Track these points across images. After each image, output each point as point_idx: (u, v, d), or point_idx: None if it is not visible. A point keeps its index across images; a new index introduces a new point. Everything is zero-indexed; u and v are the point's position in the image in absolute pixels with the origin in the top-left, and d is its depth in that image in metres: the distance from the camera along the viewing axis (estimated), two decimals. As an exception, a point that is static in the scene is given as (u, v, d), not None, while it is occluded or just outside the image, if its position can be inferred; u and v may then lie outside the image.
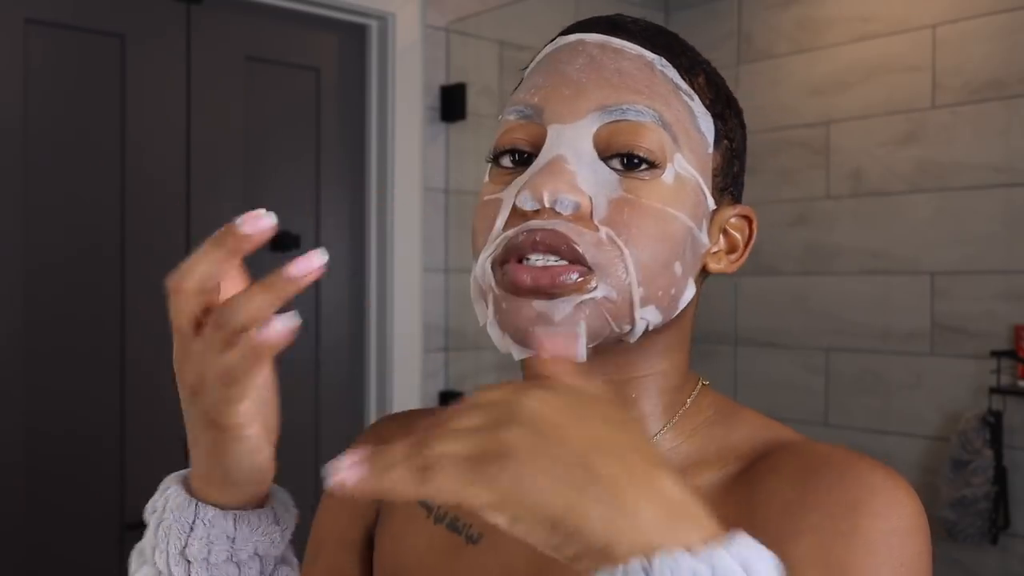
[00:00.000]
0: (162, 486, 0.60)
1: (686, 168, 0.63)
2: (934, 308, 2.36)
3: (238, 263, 0.52)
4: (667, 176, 0.62)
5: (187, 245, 2.04)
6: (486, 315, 0.64)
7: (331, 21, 2.33)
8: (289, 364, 2.30)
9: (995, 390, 2.20)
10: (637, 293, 0.61)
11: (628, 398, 0.66)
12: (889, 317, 2.44)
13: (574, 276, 0.60)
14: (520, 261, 0.61)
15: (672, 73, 0.65)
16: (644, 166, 0.62)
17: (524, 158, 0.65)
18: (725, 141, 0.68)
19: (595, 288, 0.60)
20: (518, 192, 0.61)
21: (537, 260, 0.60)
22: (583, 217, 0.61)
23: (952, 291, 2.33)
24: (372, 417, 2.39)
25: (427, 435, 0.45)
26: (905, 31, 2.42)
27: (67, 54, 1.97)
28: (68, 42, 1.97)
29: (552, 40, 0.70)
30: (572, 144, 0.62)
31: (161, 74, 2.08)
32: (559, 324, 0.60)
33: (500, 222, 0.63)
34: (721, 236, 0.68)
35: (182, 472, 0.60)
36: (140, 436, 2.04)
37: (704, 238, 0.65)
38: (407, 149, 2.38)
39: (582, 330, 0.60)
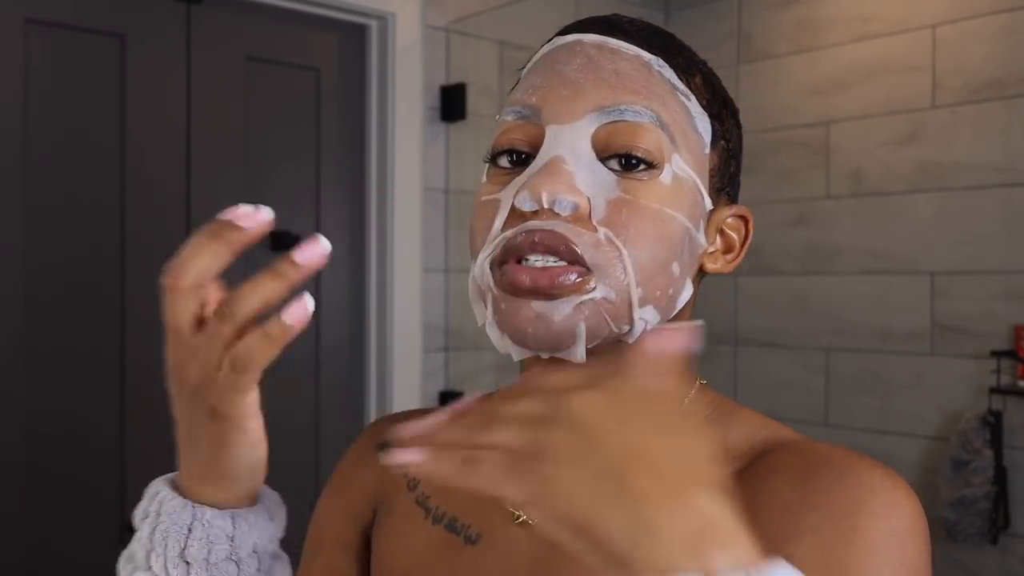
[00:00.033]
0: (149, 491, 0.60)
1: (683, 168, 0.64)
2: (934, 308, 2.36)
3: (232, 258, 0.52)
4: (665, 176, 0.63)
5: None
6: (485, 316, 0.64)
7: (331, 21, 2.33)
8: (289, 364, 2.30)
9: (995, 390, 2.20)
10: (636, 293, 0.61)
11: None
12: (889, 317, 2.44)
13: (573, 277, 0.60)
14: (519, 262, 0.61)
15: (669, 73, 0.65)
16: (642, 167, 0.62)
17: (522, 158, 0.65)
18: (722, 141, 0.68)
19: (594, 289, 0.60)
20: (517, 192, 0.61)
21: (536, 261, 0.60)
22: (582, 218, 0.61)
23: (952, 291, 2.33)
24: (372, 417, 2.39)
25: (477, 424, 0.45)
26: (905, 31, 2.42)
27: (67, 54, 1.97)
28: (68, 42, 1.97)
29: (549, 40, 0.70)
30: (570, 145, 0.62)
31: (161, 74, 2.08)
32: (558, 322, 0.60)
33: (498, 223, 0.63)
34: (718, 236, 0.69)
35: (168, 476, 0.60)
36: (140, 436, 2.04)
37: (701, 238, 0.66)
38: (407, 149, 2.38)
39: (581, 331, 0.60)
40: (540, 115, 0.64)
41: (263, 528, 0.60)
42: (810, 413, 2.59)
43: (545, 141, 0.63)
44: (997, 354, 2.19)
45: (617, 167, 0.62)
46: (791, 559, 0.52)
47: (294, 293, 0.51)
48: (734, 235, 0.70)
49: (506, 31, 2.53)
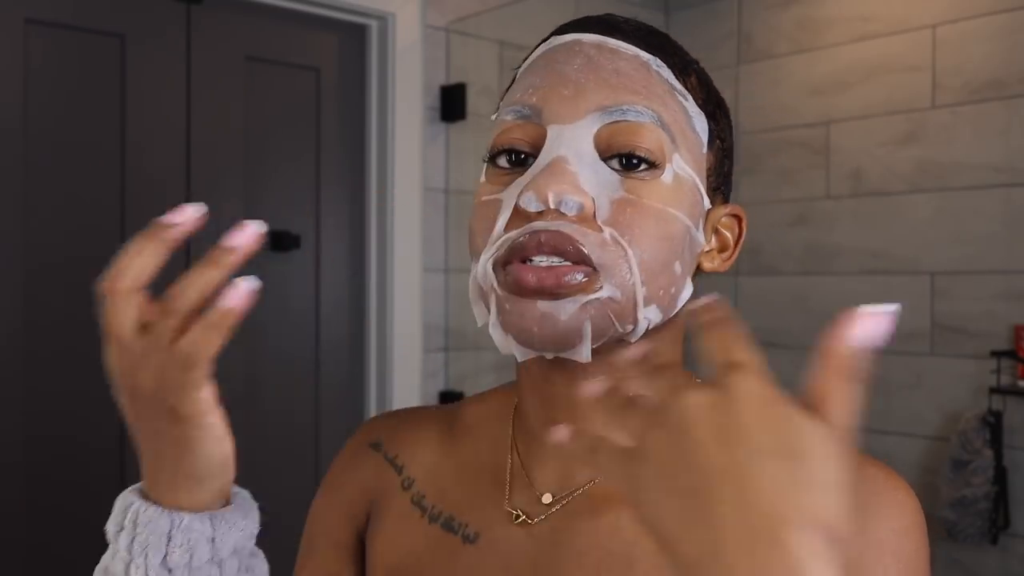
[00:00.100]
0: (120, 503, 0.58)
1: (684, 168, 0.64)
2: (934, 308, 2.36)
3: (167, 257, 0.52)
4: (666, 176, 0.63)
5: (187, 245, 2.03)
6: (486, 316, 0.64)
7: (331, 21, 2.33)
8: (289, 364, 2.31)
9: (995, 390, 2.20)
10: (640, 293, 0.61)
11: None
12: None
13: (579, 276, 0.60)
14: (523, 262, 0.60)
15: (667, 73, 0.65)
16: (643, 166, 0.62)
17: (521, 159, 0.65)
18: (717, 140, 0.68)
19: (600, 288, 0.60)
20: (521, 193, 0.61)
21: (541, 261, 0.60)
22: (587, 218, 0.61)
23: (952, 291, 2.33)
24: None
25: (610, 411, 0.45)
26: (905, 31, 2.42)
27: (67, 54, 1.97)
28: (68, 42, 1.97)
29: (545, 40, 0.70)
30: (573, 145, 0.62)
31: (161, 74, 2.08)
32: (564, 322, 0.60)
33: (501, 223, 0.62)
34: (713, 235, 0.69)
35: (135, 487, 0.59)
36: (140, 436, 2.04)
37: (700, 237, 0.66)
38: (407, 149, 2.38)
39: (587, 330, 0.60)
40: (541, 115, 0.64)
41: (242, 526, 0.59)
42: (810, 413, 2.59)
43: (547, 141, 0.63)
44: (997, 354, 2.19)
45: (618, 167, 0.62)
46: None
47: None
48: (728, 234, 0.70)
49: (506, 31, 2.53)
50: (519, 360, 0.64)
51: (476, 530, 0.68)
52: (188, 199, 2.11)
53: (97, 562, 0.59)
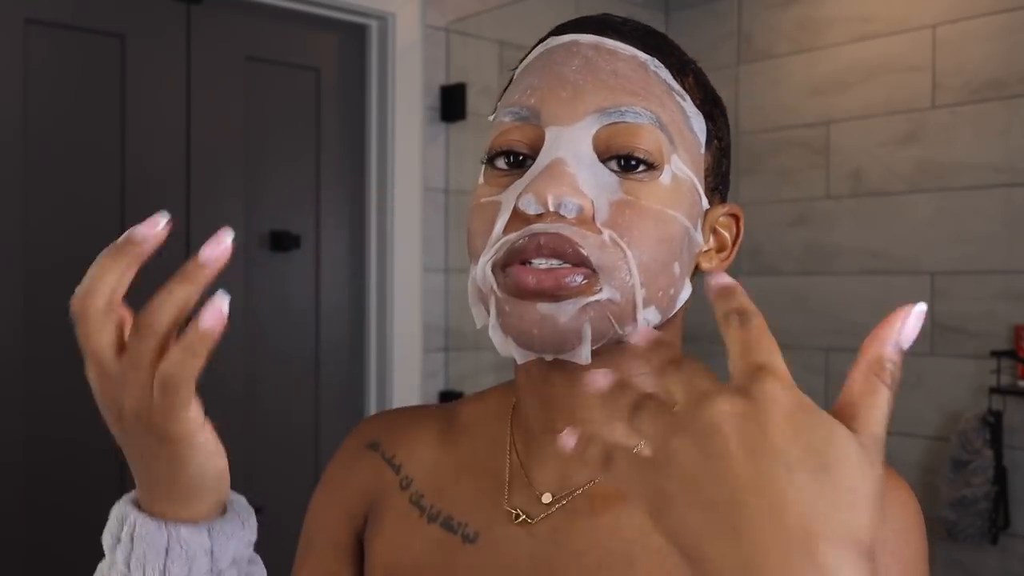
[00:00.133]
0: (116, 514, 0.57)
1: (682, 169, 0.64)
2: (934, 308, 2.36)
3: (136, 272, 0.51)
4: (665, 177, 0.63)
5: (187, 246, 2.03)
6: (486, 318, 0.64)
7: (331, 21, 2.33)
8: (289, 364, 2.31)
9: (995, 390, 2.20)
10: (640, 294, 0.61)
11: None
12: (889, 317, 2.44)
13: (579, 278, 0.60)
14: (523, 264, 0.60)
15: (665, 74, 0.65)
16: (642, 167, 0.62)
17: (520, 160, 0.64)
18: (715, 140, 0.68)
19: (600, 290, 0.60)
20: (520, 195, 0.61)
21: (540, 263, 0.60)
22: (586, 220, 0.60)
23: (952, 291, 2.33)
24: (372, 417, 2.38)
25: (622, 413, 0.43)
26: (905, 31, 2.42)
27: (67, 54, 1.97)
28: (68, 42, 1.97)
29: (542, 40, 0.69)
30: (571, 146, 0.62)
31: (161, 74, 2.08)
32: (564, 324, 0.60)
33: (500, 225, 0.62)
34: (711, 235, 0.69)
35: (132, 496, 0.58)
36: (140, 436, 2.04)
37: (699, 238, 0.66)
38: (407, 149, 2.38)
39: (587, 332, 0.60)
40: (539, 116, 0.63)
41: (240, 536, 0.58)
42: (810, 413, 2.59)
43: (545, 143, 0.62)
44: (997, 354, 2.19)
45: (617, 168, 0.62)
46: None
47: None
48: (726, 234, 0.70)
49: (506, 31, 2.53)
50: (519, 362, 0.64)
51: (476, 530, 0.68)
52: (188, 199, 2.11)
53: (97, 562, 0.59)
